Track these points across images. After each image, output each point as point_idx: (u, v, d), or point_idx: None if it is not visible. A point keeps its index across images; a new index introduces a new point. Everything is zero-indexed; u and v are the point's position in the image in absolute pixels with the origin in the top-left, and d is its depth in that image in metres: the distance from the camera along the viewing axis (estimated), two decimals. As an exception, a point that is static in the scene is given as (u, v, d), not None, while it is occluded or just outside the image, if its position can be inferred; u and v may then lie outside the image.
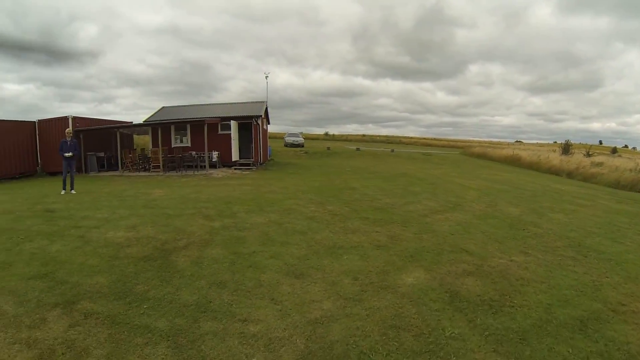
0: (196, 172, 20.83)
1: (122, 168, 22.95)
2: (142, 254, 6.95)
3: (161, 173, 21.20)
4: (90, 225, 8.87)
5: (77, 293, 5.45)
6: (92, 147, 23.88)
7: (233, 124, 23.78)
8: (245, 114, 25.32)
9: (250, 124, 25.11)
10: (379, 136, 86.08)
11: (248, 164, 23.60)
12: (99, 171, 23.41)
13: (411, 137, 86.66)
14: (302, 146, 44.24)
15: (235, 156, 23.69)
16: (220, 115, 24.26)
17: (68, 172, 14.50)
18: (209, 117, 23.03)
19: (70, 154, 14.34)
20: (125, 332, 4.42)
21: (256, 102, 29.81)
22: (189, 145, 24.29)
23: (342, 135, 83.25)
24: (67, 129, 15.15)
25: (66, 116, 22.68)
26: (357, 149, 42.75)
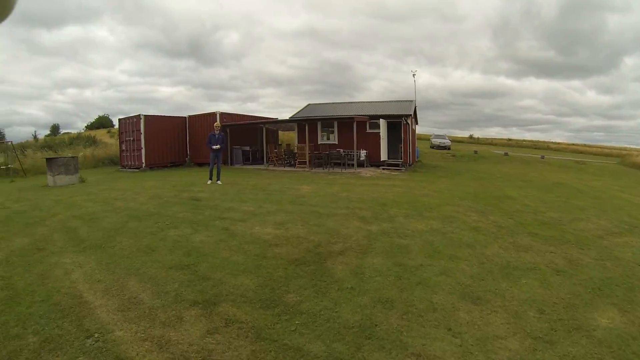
0: (343, 170, 20.20)
1: (267, 162, 23.20)
2: (292, 256, 6.13)
3: (307, 169, 20.99)
4: (235, 218, 8.49)
5: (219, 293, 4.84)
6: (238, 141, 24.81)
7: (382, 123, 22.84)
8: (394, 112, 24.28)
9: (400, 123, 23.90)
10: (525, 141, 79.76)
11: (397, 165, 22.46)
12: (244, 164, 24.29)
13: (558, 143, 78.93)
14: (449, 148, 42.02)
15: (383, 156, 22.72)
16: (368, 114, 23.48)
17: (215, 164, 14.77)
18: (358, 115, 22.35)
19: (217, 146, 14.62)
20: (272, 352, 3.59)
21: (404, 100, 28.53)
22: (336, 142, 23.87)
23: (487, 139, 78.52)
24: (216, 123, 15.57)
25: (214, 112, 23.90)
26: (505, 154, 39.60)
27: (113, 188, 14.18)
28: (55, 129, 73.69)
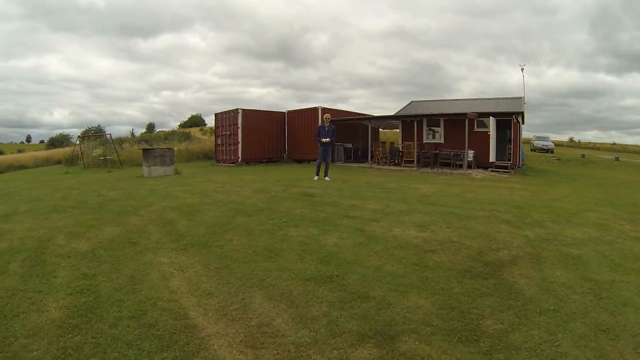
0: (452, 171, 18.25)
1: (371, 160, 21.66)
2: (459, 266, 4.73)
3: (414, 168, 19.25)
4: (365, 217, 7.00)
5: (391, 319, 3.38)
6: (339, 137, 23.23)
7: (492, 121, 20.62)
8: (504, 109, 21.94)
9: (508, 121, 21.62)
10: (631, 146, 72.05)
11: (506, 167, 20.20)
12: (345, 161, 22.79)
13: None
14: (552, 151, 38.52)
15: (492, 157, 20.49)
16: (477, 111, 21.32)
17: (323, 159, 13.30)
18: (472, 112, 20.29)
19: (327, 139, 13.25)
20: None
21: (513, 97, 26.01)
22: (442, 141, 21.90)
23: (588, 143, 72.31)
24: (326, 115, 14.18)
25: (315, 107, 22.63)
26: (616, 159, 35.65)
27: (211, 180, 13.32)
28: (150, 127, 77.85)
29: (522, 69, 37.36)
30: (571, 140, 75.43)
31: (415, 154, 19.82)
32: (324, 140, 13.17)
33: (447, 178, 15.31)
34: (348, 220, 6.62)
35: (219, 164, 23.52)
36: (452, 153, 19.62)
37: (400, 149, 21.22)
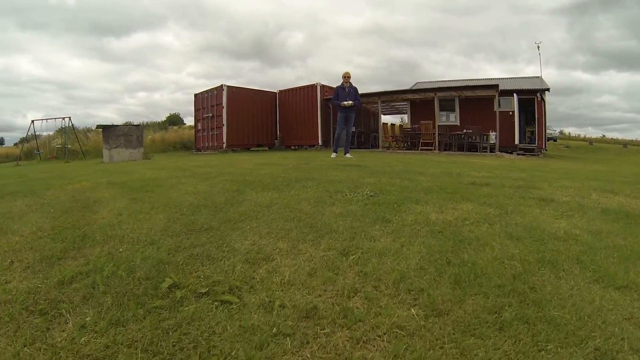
0: (483, 153, 14.90)
1: (382, 145, 17.92)
2: None
3: (436, 151, 15.74)
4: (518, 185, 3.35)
5: None
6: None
7: (515, 100, 17.32)
8: (527, 87, 18.64)
9: (532, 100, 18.44)
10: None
11: (532, 149, 17.03)
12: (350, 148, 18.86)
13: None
14: (556, 140, 35.86)
15: (517, 139, 17.15)
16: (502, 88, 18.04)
17: (343, 129, 9.97)
18: (494, 86, 17.00)
19: (349, 102, 9.57)
20: None
21: (530, 77, 22.79)
22: (457, 123, 18.44)
23: (579, 136, 70.58)
24: (345, 72, 10.28)
25: (313, 84, 18.57)
26: (624, 146, 33.77)
27: (191, 160, 9.52)
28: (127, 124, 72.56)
29: (538, 47, 33.48)
30: (561, 132, 73.16)
31: (436, 135, 16.43)
32: (345, 103, 9.63)
33: (487, 160, 11.97)
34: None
35: (199, 152, 19.30)
36: (475, 135, 16.31)
37: (419, 131, 17.80)
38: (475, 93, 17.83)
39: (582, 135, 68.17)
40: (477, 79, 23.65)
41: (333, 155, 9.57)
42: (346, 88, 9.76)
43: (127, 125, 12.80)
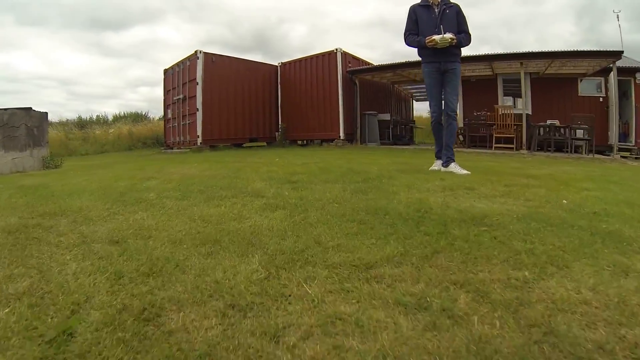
0: (569, 156, 9.75)
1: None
2: None
3: (524, 152, 10.29)
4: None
5: None
6: (370, 105, 13.64)
7: (613, 81, 12.04)
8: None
9: (629, 82, 13.00)
10: None
11: (629, 149, 12.32)
12: (380, 143, 12.92)
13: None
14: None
15: (615, 136, 11.67)
16: (566, 72, 13.20)
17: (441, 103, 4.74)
18: (615, 53, 11.82)
19: (448, 36, 4.22)
20: None
21: (609, 50, 16.34)
22: (529, 112, 12.72)
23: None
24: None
25: (332, 50, 12.73)
26: None
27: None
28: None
29: (618, 16, 26.53)
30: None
31: (521, 132, 11.05)
32: (436, 39, 4.27)
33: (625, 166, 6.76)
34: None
35: (169, 150, 13.59)
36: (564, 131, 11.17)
37: (482, 121, 12.30)
38: (561, 69, 12.55)
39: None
40: (533, 53, 17.52)
41: (435, 166, 4.71)
42: (436, 6, 4.32)
43: (7, 109, 7.09)
